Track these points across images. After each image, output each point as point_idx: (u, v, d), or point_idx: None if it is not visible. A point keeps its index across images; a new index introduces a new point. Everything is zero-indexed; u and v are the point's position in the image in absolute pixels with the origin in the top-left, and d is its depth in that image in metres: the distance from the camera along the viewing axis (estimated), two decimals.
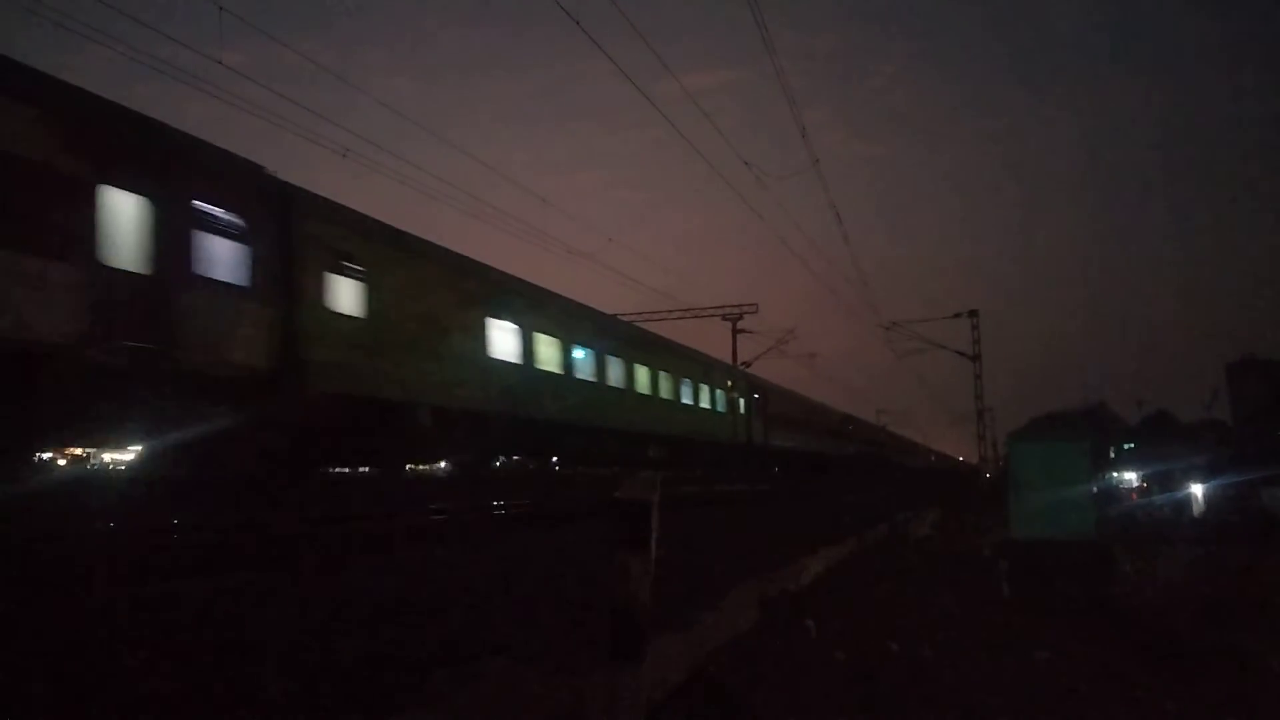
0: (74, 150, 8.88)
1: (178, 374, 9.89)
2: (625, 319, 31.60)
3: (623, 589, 4.39)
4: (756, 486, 28.11)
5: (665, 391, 24.26)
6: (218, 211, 10.63)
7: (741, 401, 30.41)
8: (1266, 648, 9.82)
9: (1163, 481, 42.41)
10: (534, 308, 17.90)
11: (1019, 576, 13.08)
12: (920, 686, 7.25)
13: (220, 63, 13.78)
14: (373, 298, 13.17)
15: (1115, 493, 46.13)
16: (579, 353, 19.12)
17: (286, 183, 12.09)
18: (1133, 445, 76.78)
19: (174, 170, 10.09)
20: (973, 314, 41.00)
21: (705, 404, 27.47)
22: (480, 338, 15.90)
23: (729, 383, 29.87)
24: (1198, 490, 31.77)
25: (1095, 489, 17.48)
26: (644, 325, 33.53)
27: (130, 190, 9.49)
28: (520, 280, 18.32)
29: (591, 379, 19.75)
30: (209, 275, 10.56)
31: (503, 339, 16.48)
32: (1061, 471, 14.51)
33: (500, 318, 16.46)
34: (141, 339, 9.47)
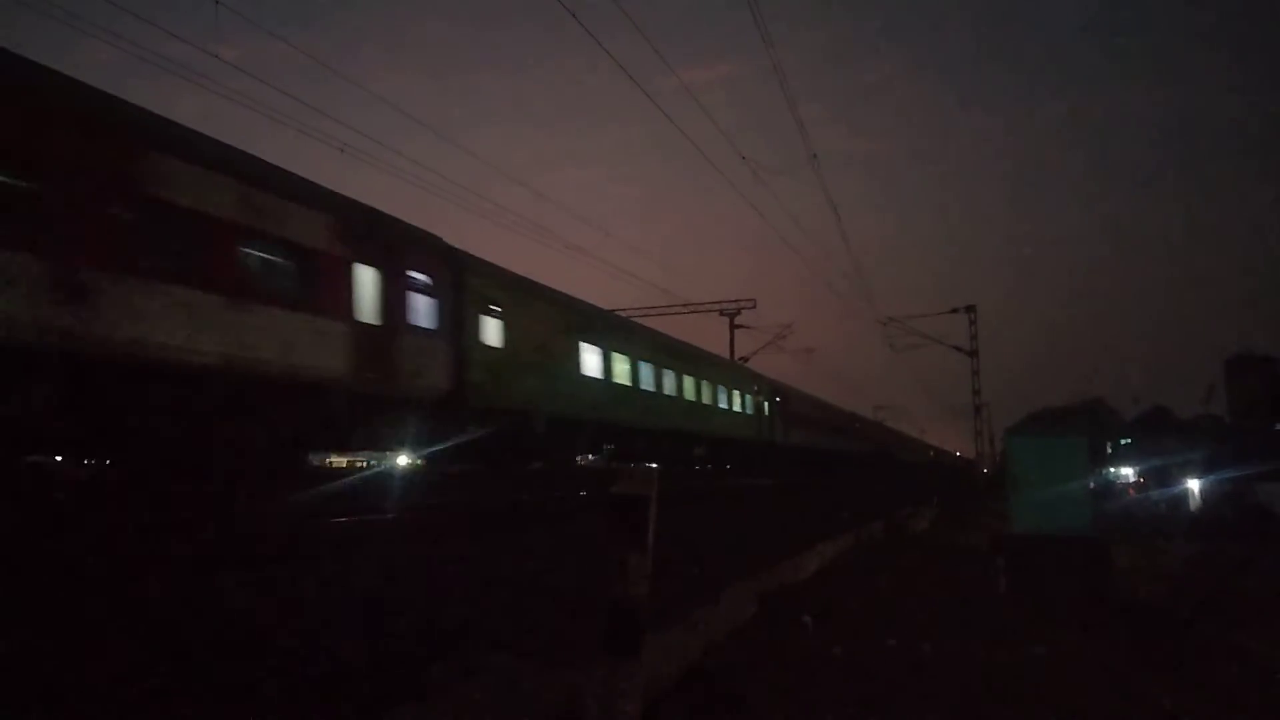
0: (340, 241, 12.40)
1: (398, 396, 13.36)
2: (623, 314, 31.64)
3: (620, 584, 4.38)
4: (771, 480, 31.67)
5: (707, 398, 27.83)
6: (418, 275, 14.09)
7: (765, 404, 33.82)
8: (1262, 643, 9.85)
9: (1159, 477, 42.47)
10: (610, 332, 21.79)
11: (1016, 572, 13.09)
12: (917, 682, 7.26)
13: (217, 57, 13.78)
14: (507, 332, 16.67)
15: (1112, 488, 46.19)
16: (643, 368, 22.94)
17: (455, 248, 15.63)
18: (1129, 441, 76.85)
19: (393, 248, 13.61)
20: (970, 309, 41.03)
21: (738, 408, 31.07)
22: (575, 359, 19.50)
23: (756, 388, 33.24)
24: (1194, 486, 31.81)
25: (1092, 484, 17.48)
26: (642, 320, 33.66)
27: (370, 265, 12.92)
28: (600, 309, 23.05)
29: (652, 389, 23.46)
30: (414, 323, 13.92)
31: (590, 359, 20.09)
32: (1059, 467, 14.50)
33: (588, 342, 20.04)
34: (378, 372, 12.84)
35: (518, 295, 17.43)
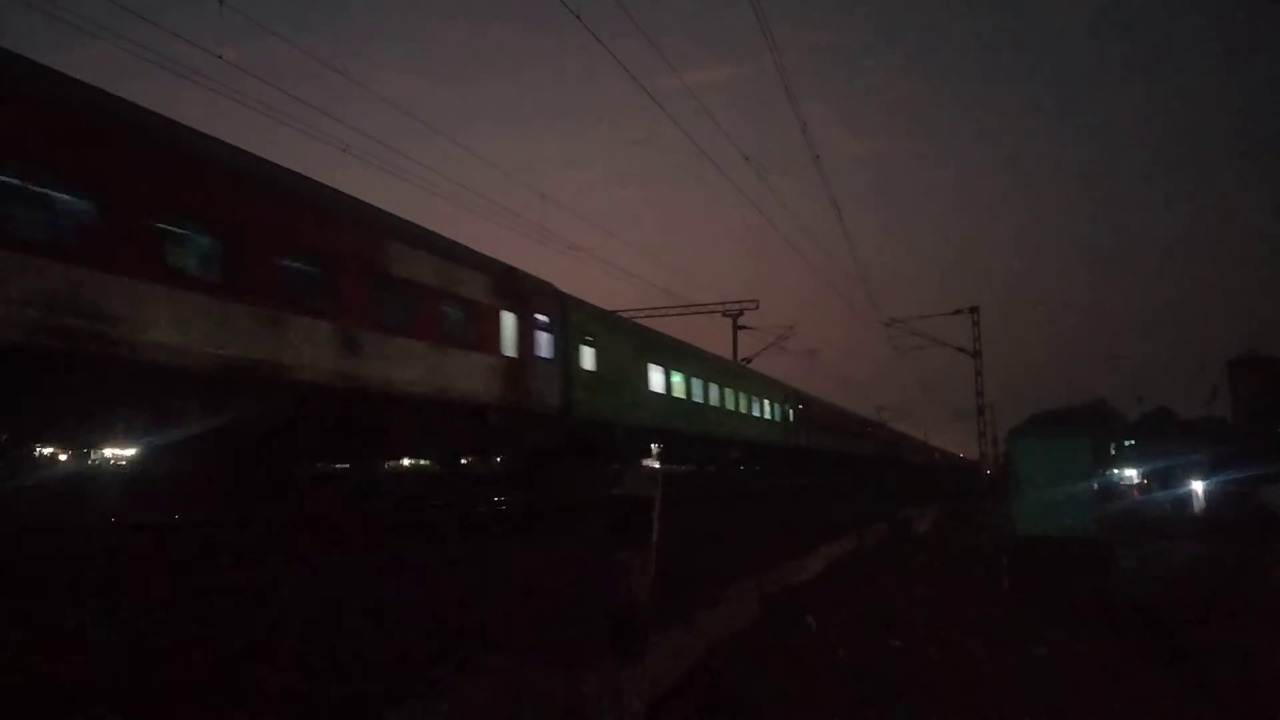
0: (492, 293, 15.66)
1: (528, 413, 16.34)
2: (627, 315, 31.65)
3: (623, 585, 4.40)
4: (794, 480, 34.75)
5: (744, 407, 31.18)
6: (539, 316, 17.16)
7: (791, 411, 36.67)
8: (1265, 644, 9.84)
9: (1163, 478, 42.41)
10: (668, 352, 25.07)
11: (1020, 572, 13.09)
12: (921, 682, 7.27)
13: (220, 57, 13.80)
14: (598, 357, 19.80)
15: (1116, 489, 46.11)
16: (694, 383, 26.29)
17: (562, 291, 18.74)
18: (1133, 442, 76.72)
19: (523, 295, 16.71)
20: (973, 310, 40.90)
21: (769, 415, 34.13)
22: (644, 378, 22.84)
23: (783, 397, 36.25)
24: (1198, 487, 31.76)
25: (1096, 485, 17.47)
26: (645, 321, 33.69)
27: (510, 311, 16.10)
28: (660, 333, 27.28)
29: (699, 400, 26.74)
30: (538, 354, 16.98)
31: (655, 378, 23.39)
32: (1063, 468, 14.49)
33: (653, 363, 23.37)
34: (517, 394, 15.98)
35: (604, 326, 21.22)
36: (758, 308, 42.40)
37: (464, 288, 14.89)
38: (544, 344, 17.27)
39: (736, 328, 42.89)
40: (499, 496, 17.14)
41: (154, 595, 6.44)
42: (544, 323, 17.41)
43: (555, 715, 4.74)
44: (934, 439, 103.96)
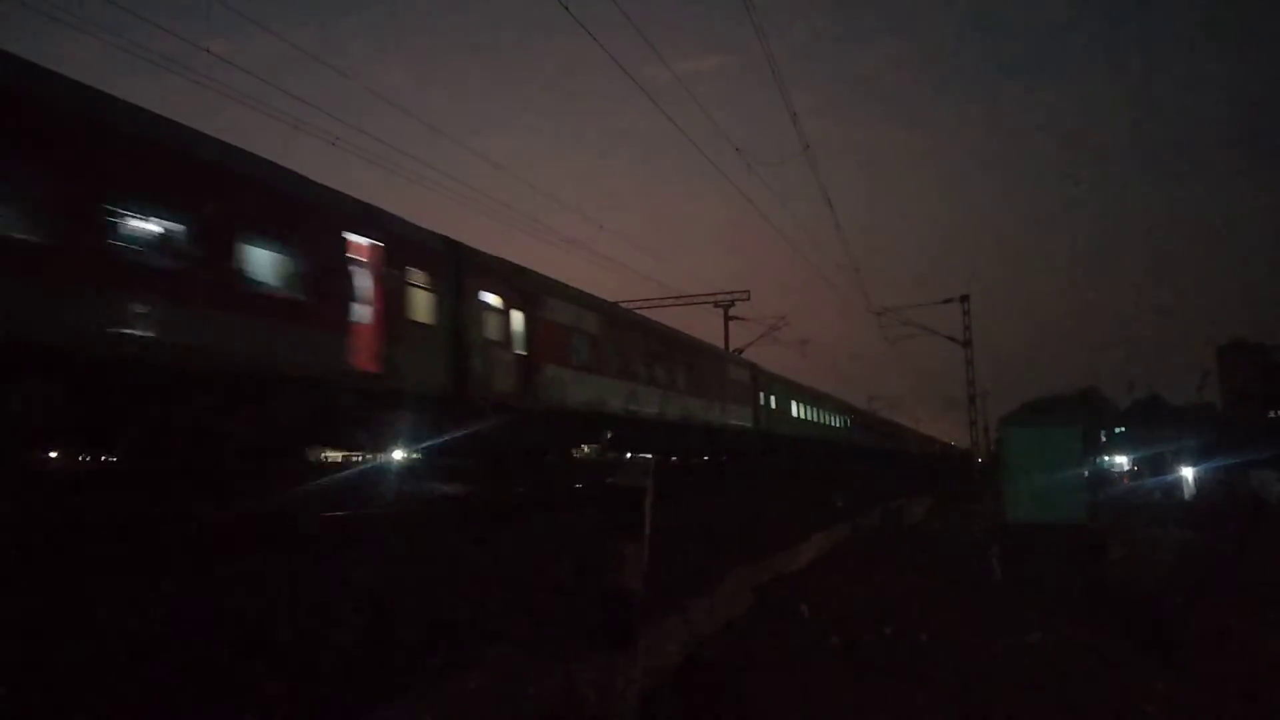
0: (602, 327, 19.95)
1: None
2: (623, 306, 31.56)
3: (616, 575, 4.40)
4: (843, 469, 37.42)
5: (837, 423, 45.28)
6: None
7: (849, 419, 48.19)
8: (1255, 628, 9.91)
9: (1154, 465, 42.67)
10: (790, 389, 34.77)
11: (1011, 560, 13.16)
12: (914, 669, 7.29)
13: (208, 50, 13.74)
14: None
15: (1107, 476, 46.36)
16: (817, 411, 39.81)
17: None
18: (1124, 429, 77.13)
19: (619, 322, 21.10)
20: (964, 299, 41.01)
21: (838, 424, 45.52)
22: (787, 408, 32.32)
23: (846, 408, 47.85)
24: (1188, 473, 31.96)
25: (1087, 473, 17.55)
26: (638, 311, 33.60)
27: (610, 341, 20.01)
28: (777, 375, 35.02)
29: (817, 420, 38.46)
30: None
31: (796, 409, 31.96)
32: (1054, 455, 14.56)
33: (798, 401, 32.54)
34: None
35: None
36: (749, 299, 42.45)
37: (586, 324, 18.98)
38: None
39: (728, 319, 42.93)
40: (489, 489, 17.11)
41: (155, 584, 6.42)
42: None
43: (549, 705, 4.75)
44: (926, 428, 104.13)
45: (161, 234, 9.61)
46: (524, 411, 15.93)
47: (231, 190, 10.64)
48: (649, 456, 22.06)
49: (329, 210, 12.31)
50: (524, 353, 16.34)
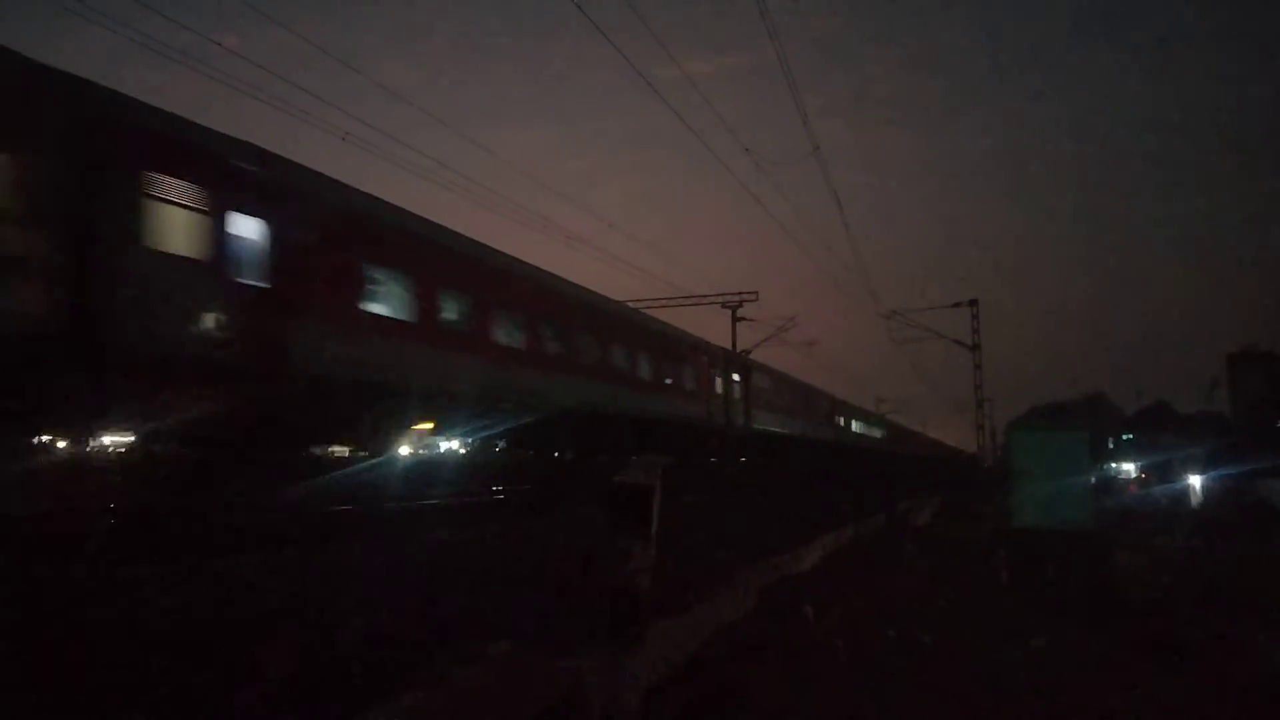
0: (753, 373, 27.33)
1: (718, 427, 25.93)
2: (631, 306, 31.53)
3: (623, 573, 4.42)
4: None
5: (879, 433, 52.91)
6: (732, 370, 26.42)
7: (887, 430, 55.23)
8: (1262, 637, 9.88)
9: (1161, 472, 42.49)
10: (852, 411, 44.36)
11: (1017, 565, 13.13)
12: (917, 673, 7.29)
13: (220, 45, 13.75)
14: (743, 388, 29.27)
15: (1113, 483, 46.17)
16: (855, 422, 46.70)
17: (734, 352, 30.87)
18: (1131, 436, 76.83)
19: (733, 363, 26.93)
20: (972, 303, 40.90)
21: (879, 434, 53.58)
22: (845, 428, 40.66)
23: (883, 424, 56.34)
24: (1196, 481, 31.83)
25: (1093, 479, 17.51)
26: (646, 311, 33.56)
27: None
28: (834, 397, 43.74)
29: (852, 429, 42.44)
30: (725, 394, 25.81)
31: (853, 425, 39.09)
32: (1060, 461, 14.51)
33: (858, 420, 42.98)
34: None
35: (753, 370, 28.90)
36: (757, 299, 42.38)
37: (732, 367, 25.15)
38: (729, 385, 22.64)
39: (736, 319, 42.88)
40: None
41: (153, 573, 6.46)
42: (731, 372, 23.97)
43: (554, 702, 4.76)
44: (933, 431, 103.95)
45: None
46: (256, 377, 10.60)
47: None
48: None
49: None
50: (255, 283, 10.49)
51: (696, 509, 15.01)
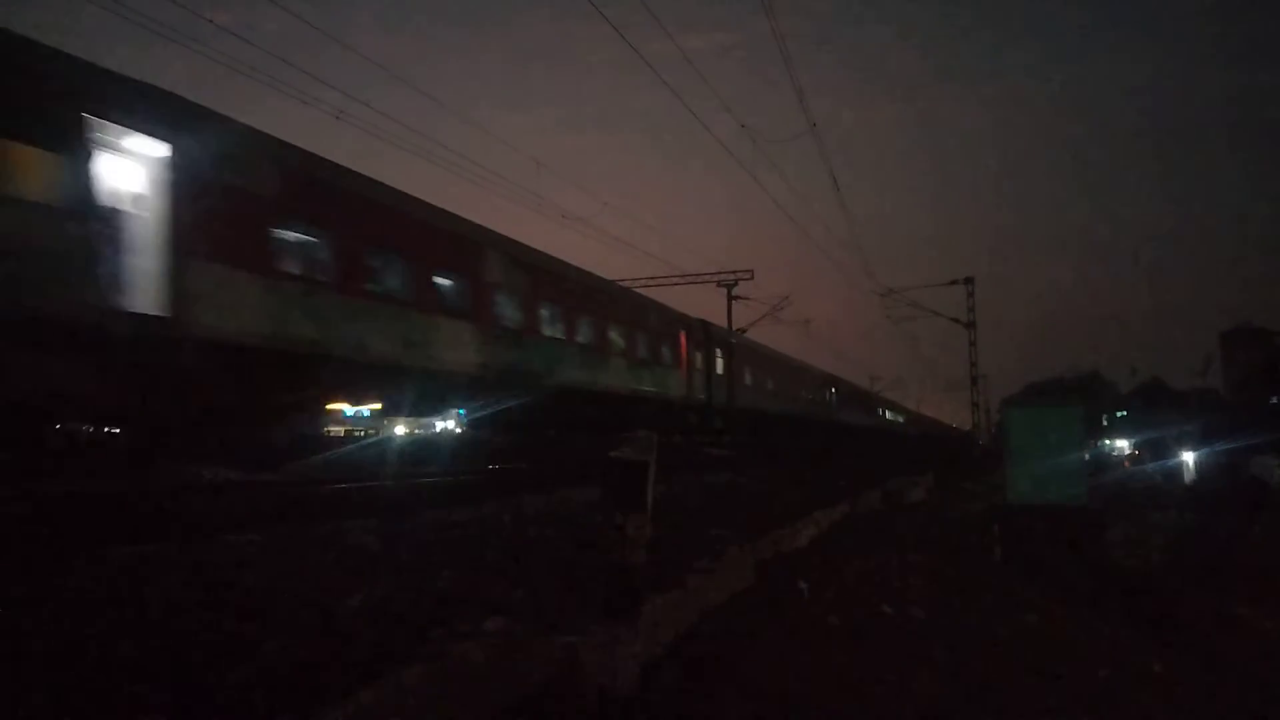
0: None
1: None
2: (623, 284, 31.47)
3: (618, 548, 4.42)
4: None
5: (903, 419, 57.79)
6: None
7: (903, 416, 48.97)
8: (1254, 612, 9.94)
9: (1155, 449, 42.66)
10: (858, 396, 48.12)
11: (1011, 541, 13.17)
12: (913, 648, 7.33)
13: (211, 21, 13.61)
14: (725, 363, 29.35)
15: (1108, 460, 46.36)
16: (888, 412, 51.76)
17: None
18: (1125, 413, 77.11)
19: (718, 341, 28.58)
20: (968, 281, 40.99)
21: (901, 419, 56.32)
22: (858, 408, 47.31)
23: (901, 412, 62.41)
24: (1189, 458, 31.96)
25: (1088, 455, 17.56)
26: (641, 290, 33.54)
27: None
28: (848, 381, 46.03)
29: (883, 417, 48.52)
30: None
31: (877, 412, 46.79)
32: (1055, 437, 14.52)
33: (892, 408, 50.64)
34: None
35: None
36: (753, 278, 42.41)
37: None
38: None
39: (731, 298, 42.88)
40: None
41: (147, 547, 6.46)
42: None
43: (551, 678, 4.78)
44: (928, 409, 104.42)
45: None
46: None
47: None
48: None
49: None
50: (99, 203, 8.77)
51: (692, 487, 15.04)
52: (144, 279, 9.15)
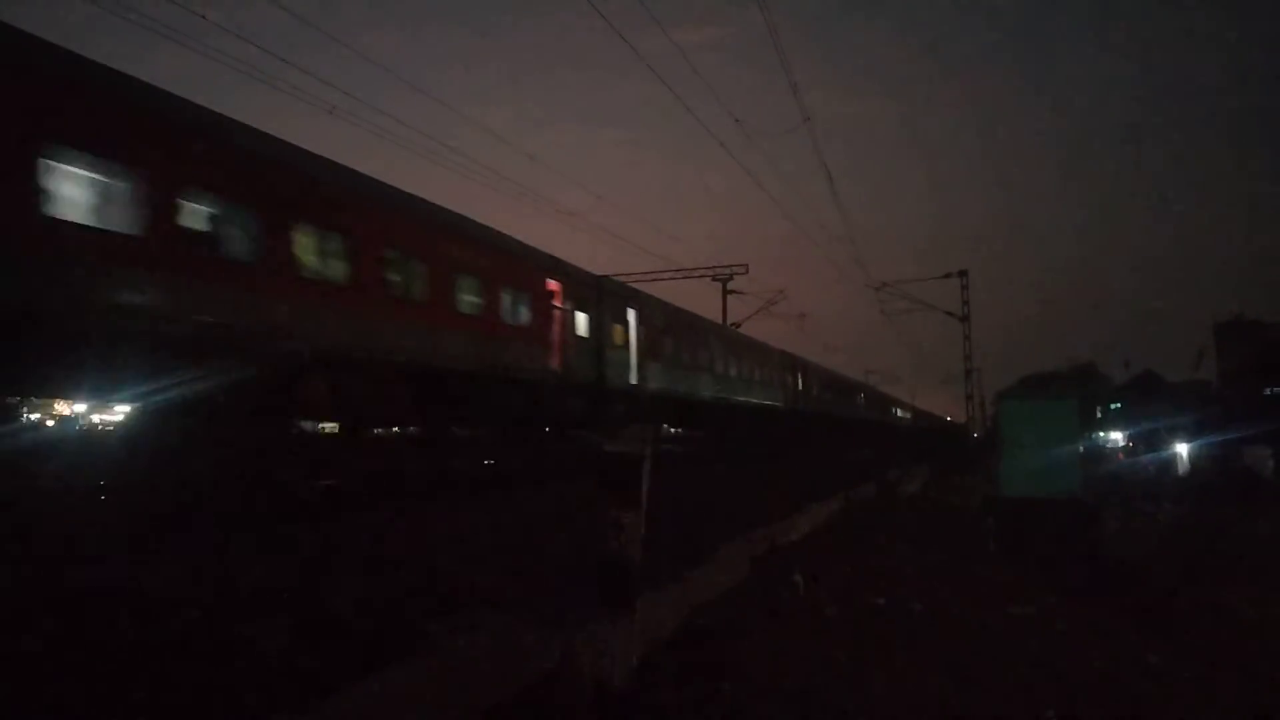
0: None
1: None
2: (617, 279, 31.34)
3: (614, 542, 4.42)
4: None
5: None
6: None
7: (909, 414, 52.62)
8: (1247, 603, 9.99)
9: (1148, 441, 42.75)
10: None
11: (1005, 533, 13.22)
12: (907, 640, 7.35)
13: (204, 18, 13.53)
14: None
15: (1102, 452, 46.46)
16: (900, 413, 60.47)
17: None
18: (1119, 405, 77.31)
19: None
20: (962, 274, 40.93)
21: (904, 416, 64.55)
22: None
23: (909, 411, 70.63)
24: (1183, 450, 32.05)
25: (1082, 448, 17.61)
26: (636, 285, 33.43)
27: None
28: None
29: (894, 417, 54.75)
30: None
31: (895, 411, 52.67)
32: (1049, 430, 14.58)
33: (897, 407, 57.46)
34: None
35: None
36: (747, 272, 42.34)
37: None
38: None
39: (726, 292, 42.85)
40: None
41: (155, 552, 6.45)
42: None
43: (548, 672, 4.78)
44: (922, 402, 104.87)
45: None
46: None
47: None
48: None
49: None
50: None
51: (689, 481, 15.06)
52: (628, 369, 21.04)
